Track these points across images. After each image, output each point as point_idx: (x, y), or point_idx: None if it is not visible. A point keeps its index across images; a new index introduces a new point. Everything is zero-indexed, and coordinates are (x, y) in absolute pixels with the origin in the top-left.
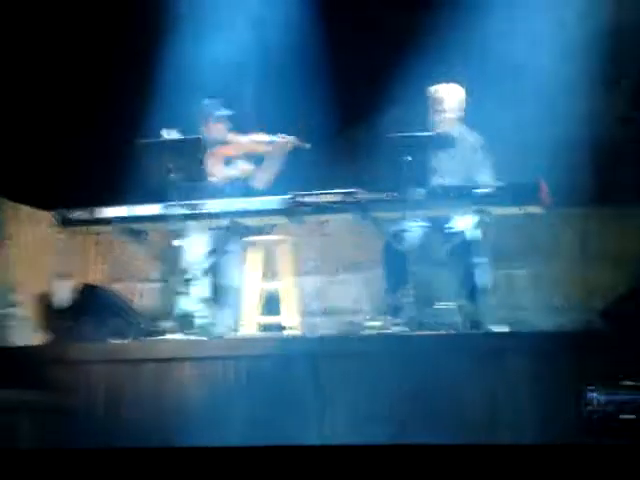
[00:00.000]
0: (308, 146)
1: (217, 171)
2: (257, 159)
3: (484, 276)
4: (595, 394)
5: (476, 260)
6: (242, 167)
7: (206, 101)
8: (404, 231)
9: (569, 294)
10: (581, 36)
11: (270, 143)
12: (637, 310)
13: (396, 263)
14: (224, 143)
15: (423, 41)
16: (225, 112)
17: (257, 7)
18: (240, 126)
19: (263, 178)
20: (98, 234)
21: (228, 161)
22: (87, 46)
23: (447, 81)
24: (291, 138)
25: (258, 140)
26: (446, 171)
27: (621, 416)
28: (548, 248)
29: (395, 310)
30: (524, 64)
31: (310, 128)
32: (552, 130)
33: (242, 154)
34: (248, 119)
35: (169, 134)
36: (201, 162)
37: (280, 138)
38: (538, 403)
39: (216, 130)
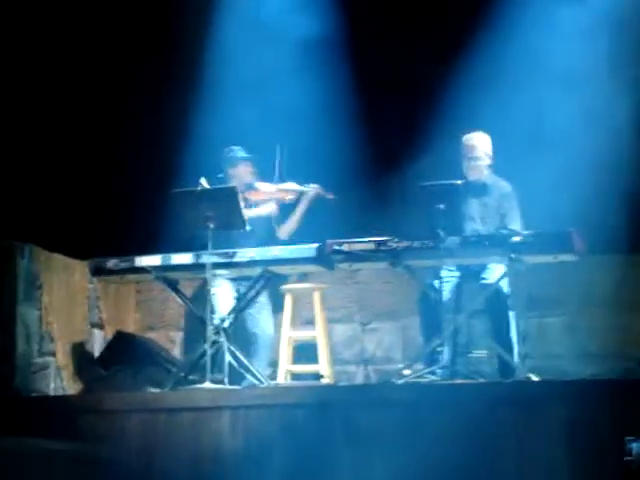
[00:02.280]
0: (332, 196)
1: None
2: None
3: (518, 325)
4: (634, 444)
5: (510, 308)
6: (266, 208)
7: (231, 147)
8: (439, 280)
9: (605, 342)
10: (614, 81)
11: (297, 192)
12: None
13: (431, 312)
14: (251, 188)
15: (453, 91)
16: (248, 155)
17: (289, 57)
18: (268, 174)
19: (287, 228)
20: (132, 283)
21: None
22: (120, 95)
23: (477, 129)
24: (317, 187)
25: (286, 188)
26: (478, 218)
27: None
28: (583, 296)
29: (429, 359)
30: (555, 111)
31: (341, 178)
32: (585, 177)
33: (267, 200)
34: (276, 167)
35: (202, 183)
36: (240, 211)
37: (307, 187)
38: (575, 453)
39: (243, 173)
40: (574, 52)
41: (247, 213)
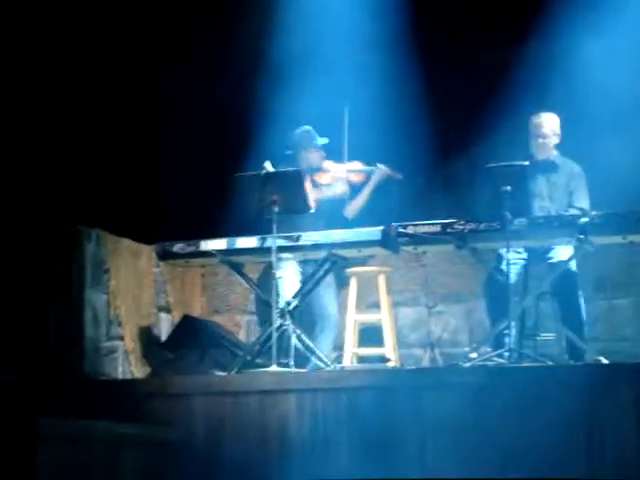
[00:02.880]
0: (400, 176)
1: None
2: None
3: (585, 307)
4: None
5: (578, 291)
6: (339, 188)
7: (302, 129)
8: (506, 262)
9: None
10: None
11: (365, 172)
12: None
13: (498, 295)
14: (319, 170)
15: (520, 72)
16: (322, 141)
17: (355, 37)
18: (336, 156)
19: (353, 207)
20: (197, 267)
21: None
22: (183, 78)
23: (545, 110)
24: (385, 168)
25: (353, 169)
26: (547, 196)
27: None
28: None
29: (496, 342)
30: (622, 91)
31: (407, 160)
32: None
33: (335, 181)
34: (344, 150)
35: (266, 166)
36: (304, 194)
37: (375, 168)
38: None
39: (312, 158)
40: None
41: (321, 193)
